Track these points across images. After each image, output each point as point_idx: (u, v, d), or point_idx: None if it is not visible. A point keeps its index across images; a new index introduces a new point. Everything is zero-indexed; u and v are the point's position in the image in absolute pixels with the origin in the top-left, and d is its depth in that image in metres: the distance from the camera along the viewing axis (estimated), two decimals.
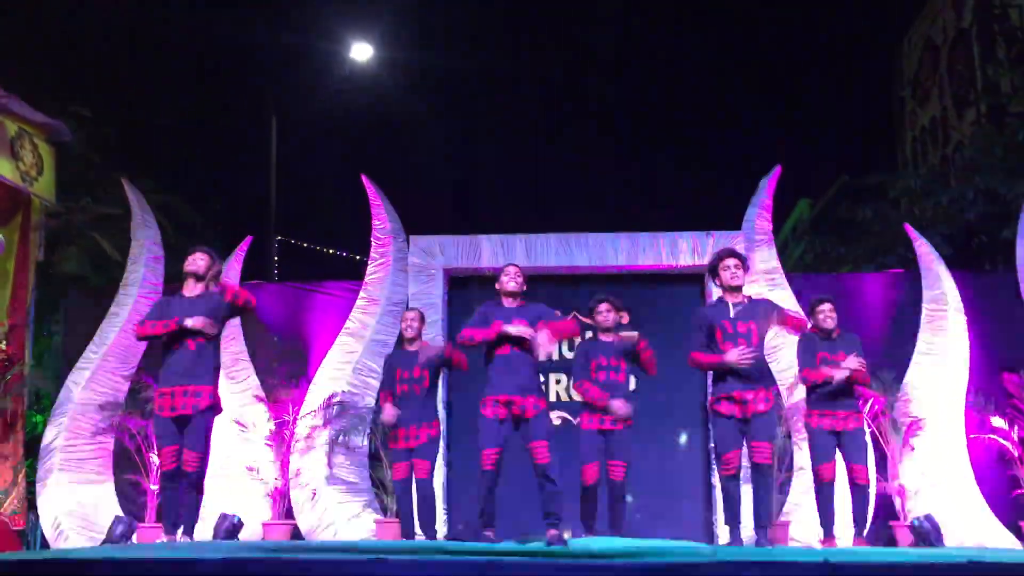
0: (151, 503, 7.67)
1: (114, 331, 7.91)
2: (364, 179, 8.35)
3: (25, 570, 2.74)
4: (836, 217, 12.13)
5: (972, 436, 7.46)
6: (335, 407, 7.64)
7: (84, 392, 7.73)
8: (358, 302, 8.08)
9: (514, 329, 5.42)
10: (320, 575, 2.70)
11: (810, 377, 6.09)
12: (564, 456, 6.86)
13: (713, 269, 5.73)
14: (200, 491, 5.76)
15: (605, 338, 6.16)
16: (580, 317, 6.18)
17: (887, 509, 7.35)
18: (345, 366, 7.85)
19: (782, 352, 7.59)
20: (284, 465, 7.61)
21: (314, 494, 7.57)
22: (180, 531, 5.73)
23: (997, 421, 7.45)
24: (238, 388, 7.81)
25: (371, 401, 7.83)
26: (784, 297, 7.79)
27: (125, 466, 7.78)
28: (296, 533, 7.52)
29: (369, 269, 8.23)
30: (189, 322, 5.58)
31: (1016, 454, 7.36)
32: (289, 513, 7.59)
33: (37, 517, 7.56)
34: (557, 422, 7.95)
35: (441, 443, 7.64)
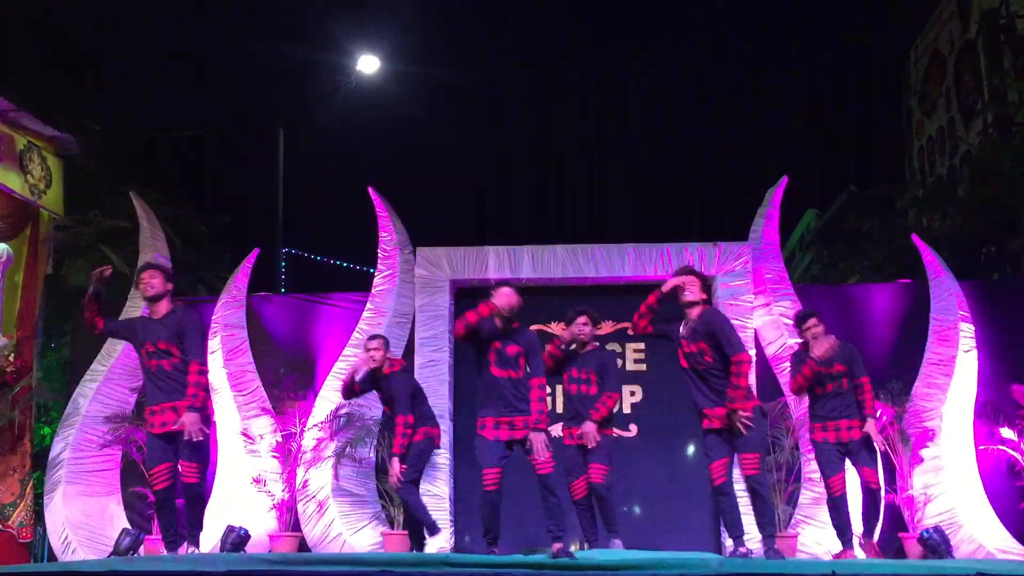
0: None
1: (121, 343, 7.92)
2: (371, 191, 8.37)
3: None
4: (843, 228, 12.10)
5: (981, 447, 7.42)
6: (342, 419, 7.64)
7: (92, 405, 7.75)
8: (365, 314, 8.08)
9: (502, 301, 5.49)
10: None
11: (794, 383, 6.14)
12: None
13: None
14: (203, 501, 5.77)
15: (581, 350, 6.20)
16: (560, 342, 6.20)
17: (896, 520, 7.31)
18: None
19: (787, 363, 7.58)
20: (291, 477, 7.61)
21: (321, 506, 7.56)
22: (185, 544, 5.73)
23: (1007, 432, 7.42)
24: (244, 400, 7.82)
25: (378, 413, 7.83)
26: (790, 308, 7.78)
27: (132, 479, 7.78)
28: (303, 545, 7.51)
29: (376, 281, 8.23)
30: (187, 431, 5.46)
31: None
32: (296, 525, 7.58)
33: (44, 529, 7.57)
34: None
35: (448, 456, 7.66)
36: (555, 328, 8.14)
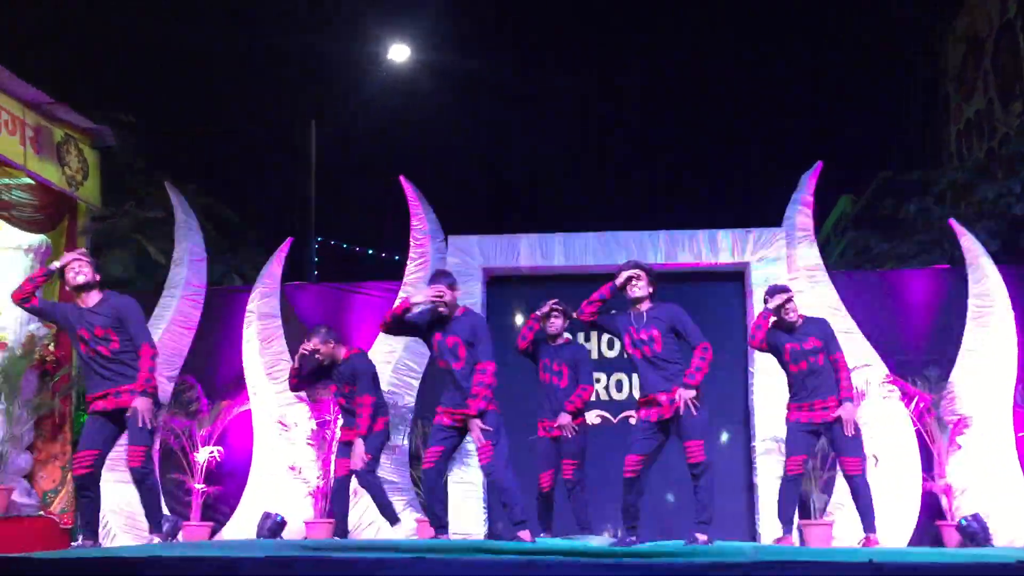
0: (196, 501, 7.79)
1: (159, 333, 8.00)
2: (403, 180, 8.39)
3: (75, 568, 2.79)
4: (879, 213, 11.94)
5: (1021, 434, 7.32)
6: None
7: None
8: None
9: (420, 296, 5.60)
10: (362, 573, 2.71)
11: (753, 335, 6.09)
12: (598, 451, 6.90)
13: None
14: (155, 486, 5.57)
15: (553, 343, 6.33)
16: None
17: (933, 508, 7.24)
18: (385, 366, 7.89)
19: None
20: (326, 464, 7.67)
21: (355, 493, 7.61)
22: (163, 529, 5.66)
23: None
24: (279, 388, 7.88)
25: (411, 400, 7.88)
26: (825, 294, 7.71)
27: (170, 466, 7.89)
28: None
29: (408, 269, 8.26)
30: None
31: None
32: (331, 512, 7.65)
33: None
34: (596, 420, 7.94)
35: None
36: None
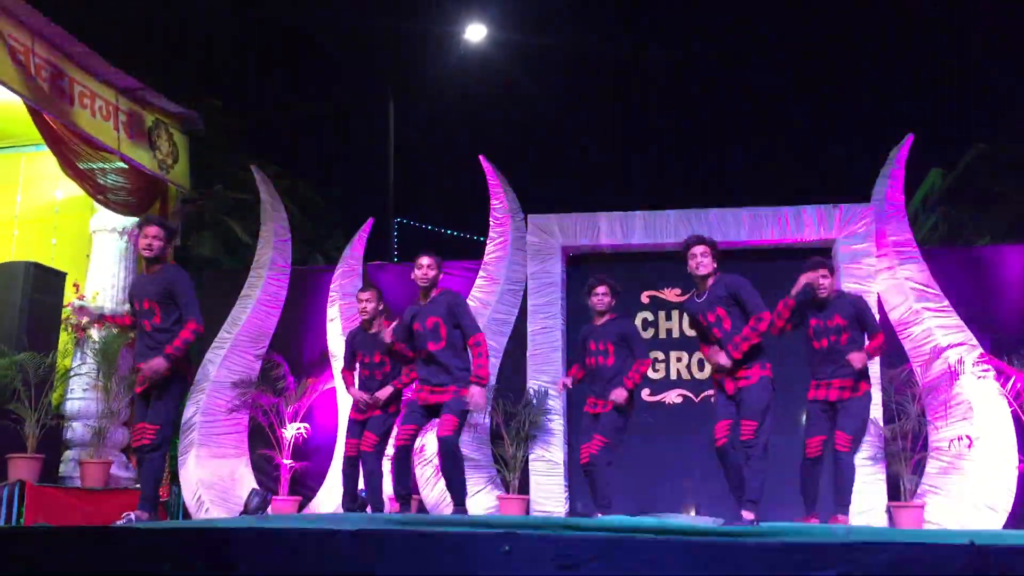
0: (284, 476, 7.98)
1: (246, 312, 8.23)
2: (482, 160, 8.41)
3: (172, 538, 2.88)
4: (973, 187, 11.53)
5: None
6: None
7: (219, 371, 8.08)
8: (477, 281, 8.16)
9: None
10: (452, 548, 2.74)
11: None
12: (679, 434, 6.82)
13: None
14: (159, 464, 5.24)
15: (598, 321, 6.04)
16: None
17: None
18: None
19: (913, 328, 7.34)
20: None
21: (437, 470, 7.69)
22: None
23: None
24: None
25: (492, 379, 7.91)
26: (916, 271, 7.49)
27: (259, 442, 8.10)
28: (421, 507, 7.68)
29: (488, 248, 8.28)
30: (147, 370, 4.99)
31: None
32: (415, 489, 7.75)
33: (179, 489, 7.96)
34: (678, 400, 7.87)
35: (562, 422, 7.67)
36: (668, 294, 8.06)
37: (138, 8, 11.89)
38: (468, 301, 8.03)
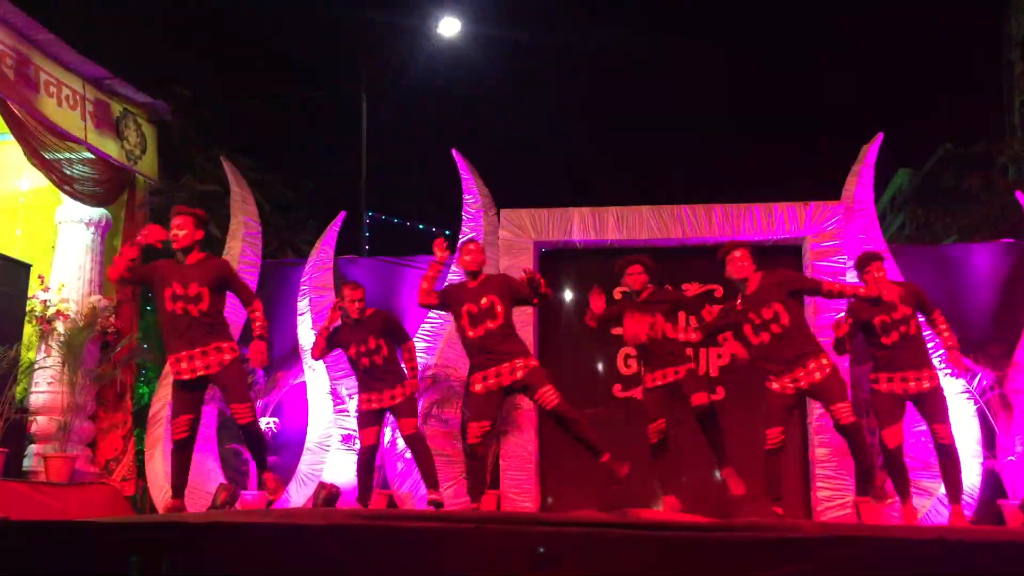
0: (253, 471, 7.90)
1: None
2: (455, 153, 8.37)
3: (138, 534, 2.84)
4: (940, 186, 11.67)
5: None
6: (428, 380, 7.71)
7: None
8: (449, 276, 8.12)
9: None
10: (420, 542, 2.72)
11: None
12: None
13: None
14: (264, 440, 5.91)
15: (638, 299, 6.11)
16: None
17: (995, 487, 7.08)
18: (437, 339, 7.92)
19: None
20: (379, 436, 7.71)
21: (408, 464, 7.67)
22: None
23: None
24: (332, 360, 7.95)
25: (464, 374, 7.88)
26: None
27: (227, 436, 8.01)
28: (391, 502, 7.65)
29: (460, 243, 8.24)
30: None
31: None
32: (385, 483, 7.72)
33: (146, 484, 7.86)
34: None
35: (532, 416, 7.66)
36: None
37: None
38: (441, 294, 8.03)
